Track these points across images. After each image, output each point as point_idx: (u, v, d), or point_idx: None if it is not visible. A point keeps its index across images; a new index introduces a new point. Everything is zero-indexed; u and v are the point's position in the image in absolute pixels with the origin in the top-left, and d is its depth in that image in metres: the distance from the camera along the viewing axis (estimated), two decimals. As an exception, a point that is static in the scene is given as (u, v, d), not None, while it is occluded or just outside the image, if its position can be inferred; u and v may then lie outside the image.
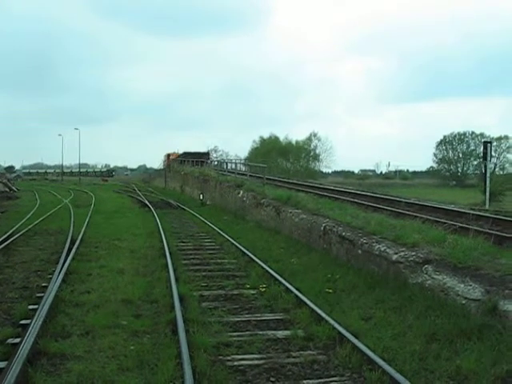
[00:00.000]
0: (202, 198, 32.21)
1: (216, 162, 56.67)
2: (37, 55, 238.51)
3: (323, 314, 7.75)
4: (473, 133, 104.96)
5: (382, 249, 10.26)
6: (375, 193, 25.41)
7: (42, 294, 8.98)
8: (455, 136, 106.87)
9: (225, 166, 42.04)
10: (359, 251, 11.13)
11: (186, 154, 55.92)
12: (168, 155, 62.55)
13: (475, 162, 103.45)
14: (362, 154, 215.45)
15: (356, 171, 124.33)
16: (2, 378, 5.30)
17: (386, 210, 17.54)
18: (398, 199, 21.02)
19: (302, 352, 6.74)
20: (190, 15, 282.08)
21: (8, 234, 16.88)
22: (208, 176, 35.50)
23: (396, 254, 9.79)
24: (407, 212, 16.71)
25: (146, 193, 44.11)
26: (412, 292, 8.72)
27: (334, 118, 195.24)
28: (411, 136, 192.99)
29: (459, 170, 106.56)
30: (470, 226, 13.23)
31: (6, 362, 5.88)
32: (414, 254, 9.60)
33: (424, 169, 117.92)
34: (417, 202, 19.54)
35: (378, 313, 8.24)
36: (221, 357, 6.51)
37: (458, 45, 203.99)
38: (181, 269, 11.77)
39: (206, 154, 57.98)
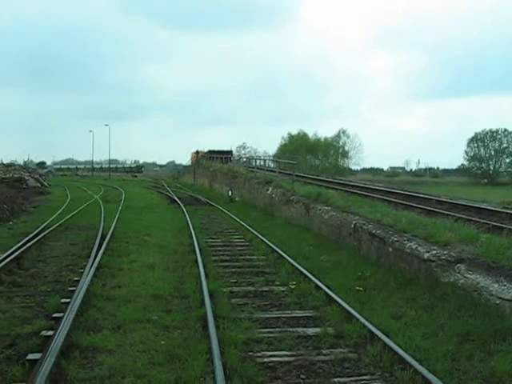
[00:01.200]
0: (230, 194, 32.24)
1: (244, 159, 57.07)
2: (66, 53, 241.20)
3: (354, 312, 7.70)
4: (505, 130, 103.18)
5: (414, 247, 10.15)
6: (405, 190, 25.15)
7: (74, 288, 9.09)
8: (487, 133, 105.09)
9: (253, 163, 42.10)
10: (390, 249, 11.03)
11: (211, 152, 58.19)
12: (196, 152, 63.29)
13: (508, 160, 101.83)
14: (391, 152, 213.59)
15: (385, 168, 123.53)
16: (37, 369, 5.37)
17: (417, 207, 17.34)
18: (428, 197, 20.76)
19: (332, 350, 6.71)
20: (217, 11, 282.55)
21: (40, 228, 17.14)
22: (237, 172, 35.55)
23: (428, 252, 9.68)
24: (438, 210, 16.50)
25: (174, 189, 44.37)
26: (444, 291, 8.62)
27: (362, 114, 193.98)
28: (442, 133, 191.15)
29: (491, 167, 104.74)
30: (504, 225, 13.00)
31: (40, 354, 5.96)
32: (446, 252, 9.48)
33: (454, 166, 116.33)
34: (448, 200, 19.27)
35: (409, 312, 8.17)
36: (251, 353, 6.51)
37: (489, 38, 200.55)
38: (210, 265, 11.81)
39: (229, 152, 59.90)
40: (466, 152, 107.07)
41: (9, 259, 11.39)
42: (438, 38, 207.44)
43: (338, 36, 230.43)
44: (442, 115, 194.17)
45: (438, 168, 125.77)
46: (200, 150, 63.91)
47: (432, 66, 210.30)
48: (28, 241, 14.38)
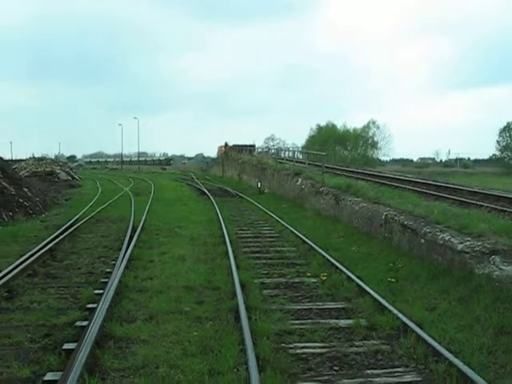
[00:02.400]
0: (259, 186, 32.24)
1: (273, 151, 57.19)
2: (96, 47, 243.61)
3: (386, 304, 7.64)
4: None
5: (447, 238, 10.02)
6: (436, 181, 24.83)
7: (107, 280, 9.18)
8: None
9: (282, 154, 42.06)
10: (422, 240, 10.91)
11: (235, 146, 59.65)
12: (226, 144, 63.71)
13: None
14: (421, 142, 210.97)
15: (415, 159, 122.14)
16: (73, 358, 5.45)
17: (449, 198, 17.12)
18: (460, 188, 20.45)
19: (365, 341, 6.67)
20: (243, 2, 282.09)
21: (72, 221, 17.37)
22: (266, 164, 35.54)
23: (461, 243, 9.54)
24: (471, 201, 16.24)
25: (203, 181, 44.55)
26: (478, 283, 8.48)
27: (392, 104, 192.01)
28: (473, 123, 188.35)
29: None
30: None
31: (75, 344, 6.04)
32: (480, 243, 9.34)
33: (486, 157, 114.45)
34: (480, 191, 18.96)
35: (442, 303, 8.07)
36: (283, 344, 6.51)
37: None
38: (241, 256, 11.83)
39: (253, 146, 60.91)
40: (498, 142, 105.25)
41: (43, 251, 11.58)
42: (464, 25, 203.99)
43: (370, 25, 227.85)
44: (473, 104, 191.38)
45: (468, 158, 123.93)
46: (227, 142, 64.59)
47: (464, 54, 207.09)
48: (61, 233, 14.59)
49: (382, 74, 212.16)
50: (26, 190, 22.51)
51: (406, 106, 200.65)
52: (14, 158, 73.50)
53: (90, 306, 7.77)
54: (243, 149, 54.88)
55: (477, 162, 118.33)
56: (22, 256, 11.19)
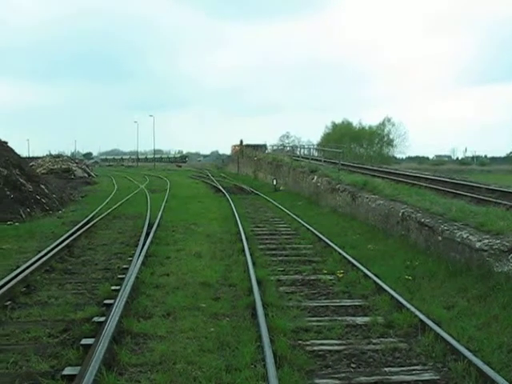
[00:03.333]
0: (275, 183, 32.20)
1: (288, 148, 57.18)
2: (112, 44, 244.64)
3: (404, 301, 7.60)
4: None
5: (465, 236, 9.92)
6: (453, 178, 24.63)
7: (124, 276, 9.22)
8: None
9: (298, 152, 41.99)
10: (439, 238, 10.81)
11: (248, 146, 60.10)
12: (241, 142, 63.95)
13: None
14: (438, 140, 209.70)
15: (430, 157, 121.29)
16: (91, 353, 5.47)
17: (466, 196, 16.97)
18: (477, 185, 20.26)
19: (382, 339, 6.63)
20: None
21: (89, 217, 17.49)
22: (281, 161, 35.49)
23: (479, 241, 9.44)
24: (489, 198, 16.09)
25: (219, 178, 44.60)
26: (497, 281, 8.40)
27: (408, 102, 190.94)
28: (489, 120, 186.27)
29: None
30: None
31: (93, 339, 6.07)
32: (498, 241, 9.24)
33: (503, 154, 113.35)
34: (498, 189, 18.74)
35: (460, 302, 8.01)
36: (300, 341, 6.49)
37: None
38: (257, 253, 11.82)
39: (264, 146, 61.92)
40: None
41: (60, 247, 11.66)
42: (489, 26, 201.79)
43: (383, 22, 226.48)
44: (490, 101, 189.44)
45: (485, 156, 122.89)
46: (242, 140, 64.84)
47: (482, 50, 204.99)
48: (78, 229, 14.71)
49: (397, 71, 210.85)
50: (43, 186, 22.69)
51: (421, 103, 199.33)
52: (31, 156, 74.22)
53: (107, 301, 7.83)
54: (255, 148, 55.76)
55: (494, 159, 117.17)
56: (39, 252, 11.30)
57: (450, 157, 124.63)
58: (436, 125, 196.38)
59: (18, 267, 9.80)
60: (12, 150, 24.65)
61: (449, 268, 9.68)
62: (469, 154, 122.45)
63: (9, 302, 7.82)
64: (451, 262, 9.99)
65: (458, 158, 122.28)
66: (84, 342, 6.13)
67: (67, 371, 5.34)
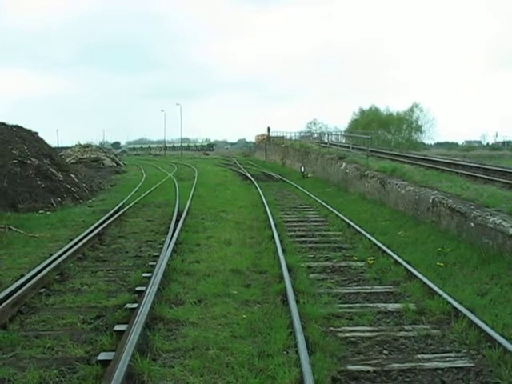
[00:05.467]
0: (303, 170, 32.09)
1: (316, 135, 56.93)
2: (140, 33, 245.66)
3: (436, 288, 7.52)
4: None
5: (498, 222, 9.77)
6: (484, 164, 24.23)
7: (154, 263, 9.28)
8: None
9: (325, 139, 41.77)
10: (471, 224, 10.67)
11: (269, 137, 60.00)
12: (268, 130, 63.97)
13: None
14: (467, 125, 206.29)
15: (460, 142, 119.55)
16: (124, 339, 5.54)
17: (498, 181, 16.67)
18: (509, 170, 19.89)
19: (414, 326, 6.58)
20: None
21: (118, 206, 17.66)
22: (309, 148, 35.34)
23: (513, 227, 9.29)
24: (521, 184, 15.80)
25: (246, 166, 44.58)
26: (532, 267, 8.27)
27: (436, 87, 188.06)
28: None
29: None
30: None
31: (126, 325, 6.14)
32: (532, 227, 9.08)
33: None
34: (531, 174, 18.41)
35: (494, 288, 7.91)
36: (332, 328, 6.48)
37: None
38: (287, 240, 11.81)
39: (283, 138, 61.84)
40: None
41: (91, 235, 11.80)
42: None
43: (410, 4, 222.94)
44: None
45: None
46: (269, 127, 64.80)
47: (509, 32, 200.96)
48: (108, 218, 14.85)
49: (426, 55, 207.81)
50: (72, 176, 22.96)
51: (450, 87, 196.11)
52: (60, 146, 75.14)
53: (138, 288, 7.90)
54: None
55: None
56: (71, 240, 11.45)
57: (480, 142, 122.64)
58: (466, 110, 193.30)
59: (51, 255, 9.95)
60: (42, 141, 24.98)
61: (481, 254, 9.56)
62: (499, 140, 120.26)
63: (43, 290, 7.96)
64: (484, 248, 9.85)
65: (488, 144, 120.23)
66: (117, 328, 6.20)
67: (102, 356, 5.40)
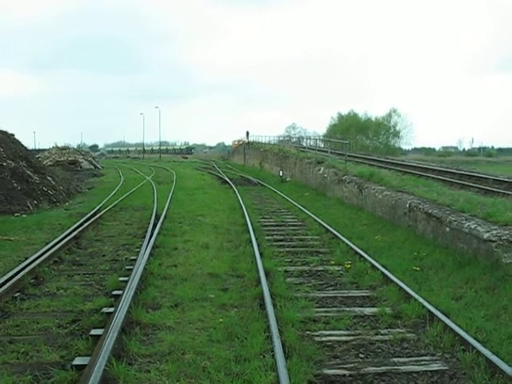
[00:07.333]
0: (281, 174, 32.15)
1: (294, 139, 57.05)
2: (116, 34, 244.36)
3: (412, 292, 7.59)
4: None
5: (473, 226, 9.89)
6: (460, 169, 24.56)
7: (132, 267, 9.23)
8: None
9: (304, 143, 41.93)
10: (447, 229, 10.80)
11: (248, 142, 60.49)
12: (247, 133, 64.15)
13: None
14: (444, 130, 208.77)
15: (437, 148, 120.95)
16: (100, 344, 5.50)
17: (473, 187, 16.94)
18: (485, 176, 20.20)
19: (390, 330, 6.64)
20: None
21: (96, 209, 17.53)
22: (288, 153, 35.42)
23: (487, 232, 9.41)
24: (496, 189, 16.05)
25: (225, 170, 44.58)
26: (505, 272, 8.41)
27: (413, 93, 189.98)
28: (496, 111, 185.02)
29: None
30: None
31: (102, 330, 6.10)
32: (507, 232, 9.22)
33: (511, 145, 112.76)
34: (506, 180, 18.67)
35: (468, 292, 8.01)
36: (308, 332, 6.51)
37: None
38: (264, 244, 11.82)
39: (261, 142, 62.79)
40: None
41: (68, 238, 11.70)
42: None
43: (390, 11, 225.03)
44: (497, 92, 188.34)
45: (492, 147, 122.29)
46: (248, 131, 64.92)
47: (487, 39, 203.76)
48: (85, 221, 14.74)
49: (402, 62, 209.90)
50: (49, 178, 22.75)
51: (427, 93, 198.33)
52: (37, 148, 74.43)
53: (115, 292, 7.85)
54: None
55: (501, 150, 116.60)
56: (47, 243, 11.35)
57: (456, 148, 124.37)
58: (443, 116, 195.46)
59: (26, 258, 9.86)
60: (19, 142, 24.73)
61: (456, 259, 9.68)
62: (475, 145, 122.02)
63: (18, 294, 7.87)
64: (459, 252, 9.98)
65: (464, 149, 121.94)
66: (93, 332, 6.16)
67: (77, 361, 5.36)
